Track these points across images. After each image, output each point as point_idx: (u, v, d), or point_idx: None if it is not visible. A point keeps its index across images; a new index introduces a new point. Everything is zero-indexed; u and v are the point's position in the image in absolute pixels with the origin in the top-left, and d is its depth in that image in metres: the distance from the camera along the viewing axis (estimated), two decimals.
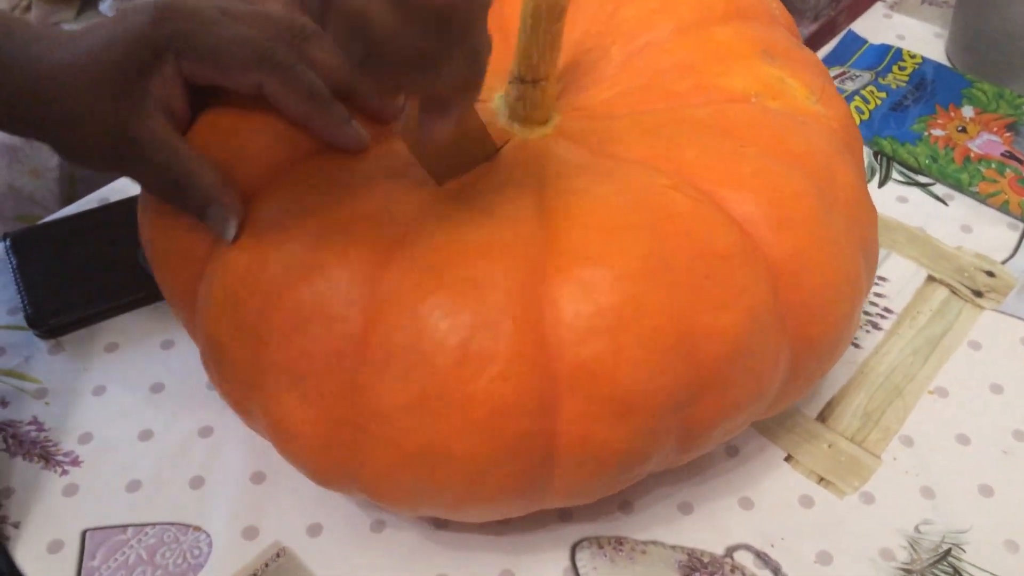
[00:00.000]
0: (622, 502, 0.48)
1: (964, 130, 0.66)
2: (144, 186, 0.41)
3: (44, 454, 0.49)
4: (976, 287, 0.58)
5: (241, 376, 0.39)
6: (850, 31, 0.75)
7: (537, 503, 0.41)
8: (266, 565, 0.45)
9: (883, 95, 0.69)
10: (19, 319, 0.53)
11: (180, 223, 0.40)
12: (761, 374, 0.40)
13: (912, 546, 0.46)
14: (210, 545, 0.45)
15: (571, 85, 0.45)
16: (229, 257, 0.38)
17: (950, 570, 0.46)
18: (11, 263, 0.55)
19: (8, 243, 0.56)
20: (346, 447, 0.37)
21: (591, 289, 0.35)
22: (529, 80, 0.41)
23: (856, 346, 0.54)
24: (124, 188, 0.61)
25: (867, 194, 0.45)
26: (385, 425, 0.36)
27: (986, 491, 0.48)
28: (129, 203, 0.59)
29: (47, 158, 1.04)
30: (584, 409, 0.36)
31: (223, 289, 0.38)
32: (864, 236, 0.43)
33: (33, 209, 1.04)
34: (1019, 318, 0.56)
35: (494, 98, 0.44)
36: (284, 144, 0.40)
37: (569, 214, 0.37)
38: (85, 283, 0.55)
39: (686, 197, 0.38)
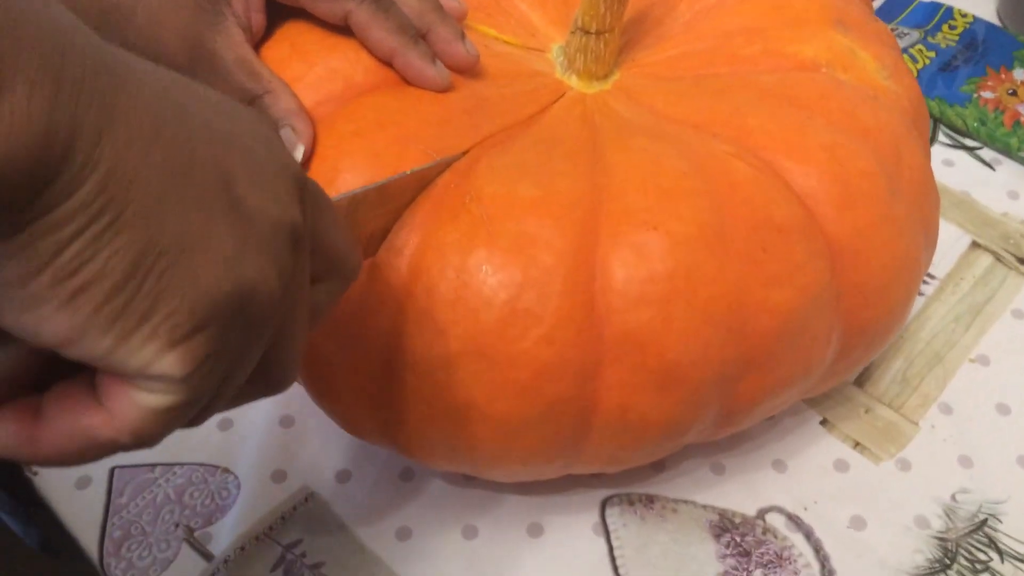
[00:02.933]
0: (654, 461, 0.47)
1: (1015, 93, 0.64)
2: None
3: None
4: (1021, 254, 0.56)
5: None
6: None
7: (569, 468, 0.40)
8: (294, 509, 0.44)
9: (932, 54, 0.67)
10: None
11: None
12: (811, 353, 0.38)
13: (948, 515, 0.46)
14: (238, 487, 0.45)
15: (633, 41, 0.43)
16: None
17: (986, 540, 0.45)
18: None
19: None
20: (379, 398, 0.37)
21: (645, 254, 0.34)
22: (593, 31, 0.39)
23: None
24: None
25: (932, 176, 0.43)
26: (421, 378, 0.35)
27: None
28: None
29: None
30: (627, 378, 0.35)
31: None
32: (926, 220, 0.42)
33: None
34: None
35: (552, 48, 0.42)
36: (349, 76, 0.39)
37: (626, 174, 0.36)
38: None
39: (748, 166, 0.37)
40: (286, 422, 0.47)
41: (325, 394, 0.39)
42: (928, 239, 0.42)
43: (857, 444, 0.48)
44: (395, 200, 0.36)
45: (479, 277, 0.34)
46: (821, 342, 0.38)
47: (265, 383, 0.27)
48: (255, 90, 0.37)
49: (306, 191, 0.26)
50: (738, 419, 0.40)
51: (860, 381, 0.50)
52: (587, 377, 0.35)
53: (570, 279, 0.34)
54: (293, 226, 0.25)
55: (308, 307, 0.28)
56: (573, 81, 0.41)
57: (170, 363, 0.22)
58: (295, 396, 0.48)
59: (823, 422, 0.49)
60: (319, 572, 0.43)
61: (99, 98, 0.20)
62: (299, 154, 0.37)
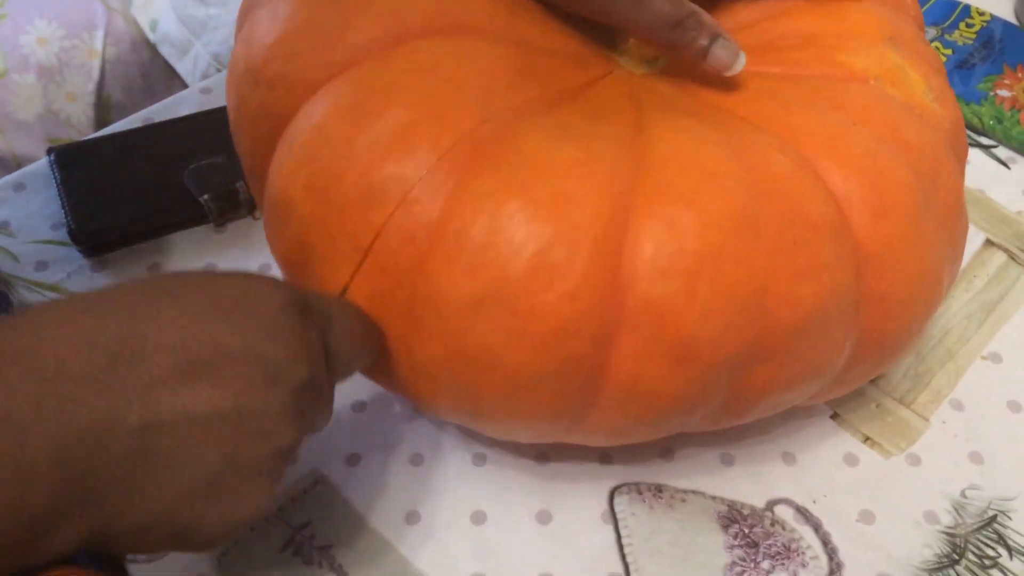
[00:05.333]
0: (663, 449, 0.47)
1: None
2: (636, 26, 0.40)
3: None
4: None
5: (301, 236, 0.37)
6: None
7: (570, 433, 0.40)
8: (304, 491, 0.45)
9: (949, 52, 0.66)
10: (62, 234, 0.53)
11: (270, 86, 0.39)
12: (824, 355, 0.38)
13: (957, 510, 0.46)
14: None
15: None
16: (318, 114, 0.37)
17: (995, 536, 0.45)
18: (55, 177, 0.55)
19: (52, 157, 0.55)
20: (395, 333, 0.37)
21: (677, 229, 0.34)
22: None
23: None
24: (169, 109, 0.60)
25: (964, 204, 0.43)
26: (441, 318, 0.35)
27: None
28: (175, 124, 0.58)
29: (84, 82, 1.04)
30: (643, 347, 0.35)
31: (306, 146, 0.37)
32: (954, 243, 0.42)
33: (67, 133, 1.04)
34: None
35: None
36: (405, 18, 0.38)
37: (668, 150, 0.36)
38: (129, 202, 0.54)
39: (788, 160, 0.37)
40: None
41: None
42: (953, 262, 0.42)
43: (867, 438, 0.48)
44: None
45: (512, 225, 0.34)
46: (836, 346, 0.38)
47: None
48: (679, 14, 0.38)
49: (318, 364, 0.33)
50: (742, 409, 0.40)
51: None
52: (604, 340, 0.35)
53: (600, 241, 0.34)
54: (289, 444, 0.32)
55: (331, 392, 0.36)
56: (623, 60, 0.42)
57: None
58: None
59: (834, 416, 0.49)
60: (328, 554, 0.43)
61: (120, 503, 0.29)
62: (742, 60, 0.39)
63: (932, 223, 0.39)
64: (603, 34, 0.43)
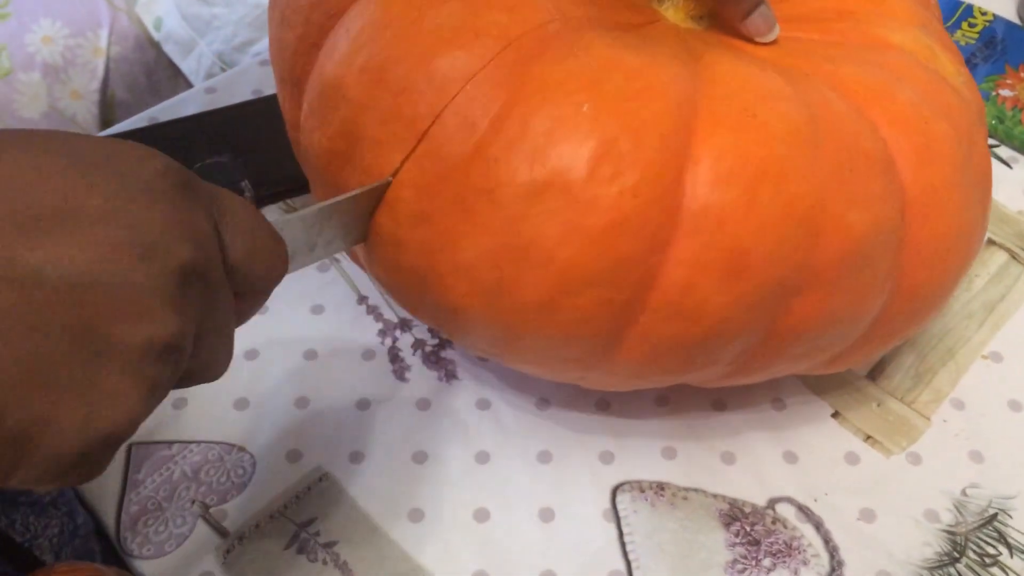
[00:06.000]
0: (665, 448, 0.47)
1: None
2: None
3: None
4: None
5: (351, 120, 0.36)
6: None
7: (599, 359, 0.38)
8: (308, 488, 0.45)
9: None
10: None
11: None
12: (864, 294, 0.38)
13: (958, 509, 0.46)
14: (253, 466, 0.46)
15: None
16: (371, 5, 0.37)
17: (995, 535, 0.45)
18: None
19: None
20: (441, 227, 0.35)
21: (742, 137, 0.35)
22: None
23: None
24: (173, 109, 0.61)
25: (991, 179, 0.43)
26: (495, 206, 0.34)
27: None
28: (180, 123, 0.58)
29: (88, 80, 1.04)
30: (698, 255, 0.35)
31: (366, 29, 0.37)
32: (984, 208, 0.42)
33: (71, 131, 1.04)
34: None
35: None
36: None
37: (729, 72, 0.37)
38: None
39: (841, 99, 0.38)
40: (301, 403, 0.48)
41: (382, 209, 0.37)
42: (983, 228, 0.43)
43: (868, 437, 0.48)
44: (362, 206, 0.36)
45: (578, 115, 0.34)
46: (876, 286, 0.39)
47: (197, 379, 0.29)
48: None
49: (208, 252, 0.27)
50: (774, 348, 0.39)
51: (872, 375, 0.51)
52: (660, 243, 0.34)
53: (667, 140, 0.34)
54: (165, 335, 0.25)
55: (230, 319, 0.29)
56: (669, 13, 0.42)
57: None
58: (311, 377, 0.49)
59: (835, 415, 0.49)
60: (332, 551, 0.43)
61: None
62: (775, 33, 0.40)
63: (970, 181, 0.40)
64: None
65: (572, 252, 0.34)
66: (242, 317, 0.31)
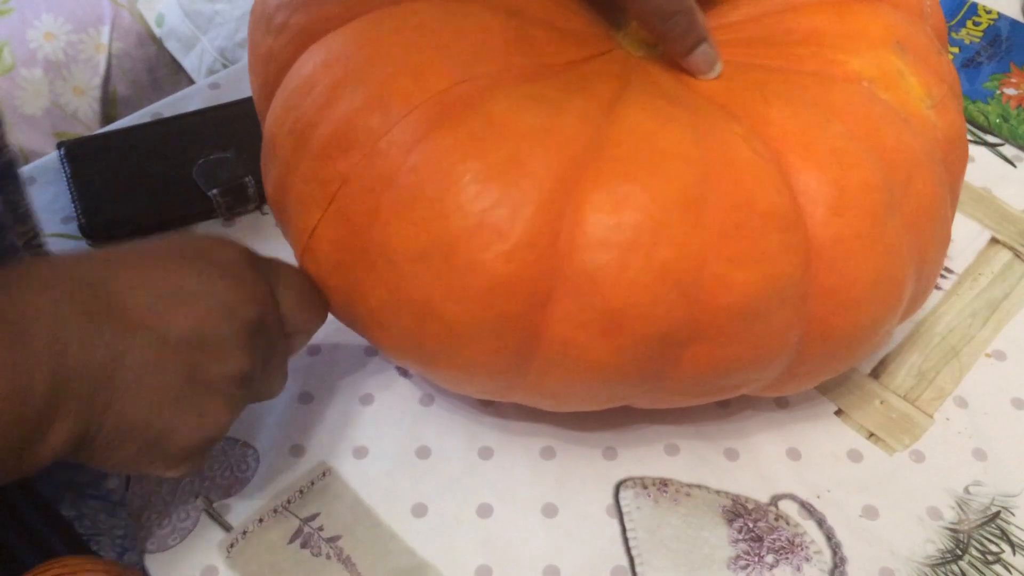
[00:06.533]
0: (668, 444, 0.47)
1: None
2: (634, 7, 0.42)
3: None
4: None
5: (282, 178, 0.40)
6: None
7: (512, 391, 0.42)
8: (311, 483, 0.45)
9: (955, 50, 0.67)
10: (73, 228, 0.53)
11: (277, 32, 0.42)
12: (765, 343, 0.39)
13: (960, 506, 0.46)
14: (257, 460, 0.46)
15: None
16: (310, 63, 0.39)
17: (998, 532, 0.45)
18: (65, 172, 0.55)
19: (62, 152, 0.56)
20: (352, 278, 0.39)
21: (620, 202, 0.36)
22: None
23: None
24: (177, 104, 0.61)
25: (947, 215, 0.43)
26: (390, 266, 0.37)
27: None
28: (184, 119, 0.58)
29: (90, 76, 1.04)
30: (575, 314, 0.37)
31: (295, 92, 0.40)
32: (923, 252, 0.41)
33: (74, 127, 1.04)
34: None
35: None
36: None
37: (630, 128, 0.37)
38: (139, 196, 0.54)
39: (751, 150, 0.38)
40: (305, 398, 0.48)
41: (308, 256, 0.40)
42: (922, 273, 0.42)
43: (871, 435, 0.48)
44: None
45: (461, 183, 0.36)
46: (778, 336, 0.39)
47: (264, 398, 0.41)
48: (673, 8, 0.40)
49: (268, 309, 0.38)
50: (683, 388, 0.41)
51: (876, 373, 0.51)
52: (538, 303, 0.37)
53: (544, 209, 0.36)
54: (243, 370, 0.36)
55: (285, 354, 0.41)
56: (625, 42, 0.43)
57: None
58: (314, 374, 0.49)
59: (838, 412, 0.49)
60: (336, 545, 0.43)
61: (103, 408, 0.34)
62: (719, 67, 0.41)
63: (897, 228, 0.39)
64: (611, 14, 0.43)
65: (456, 309, 0.37)
66: (292, 351, 0.42)
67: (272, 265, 0.40)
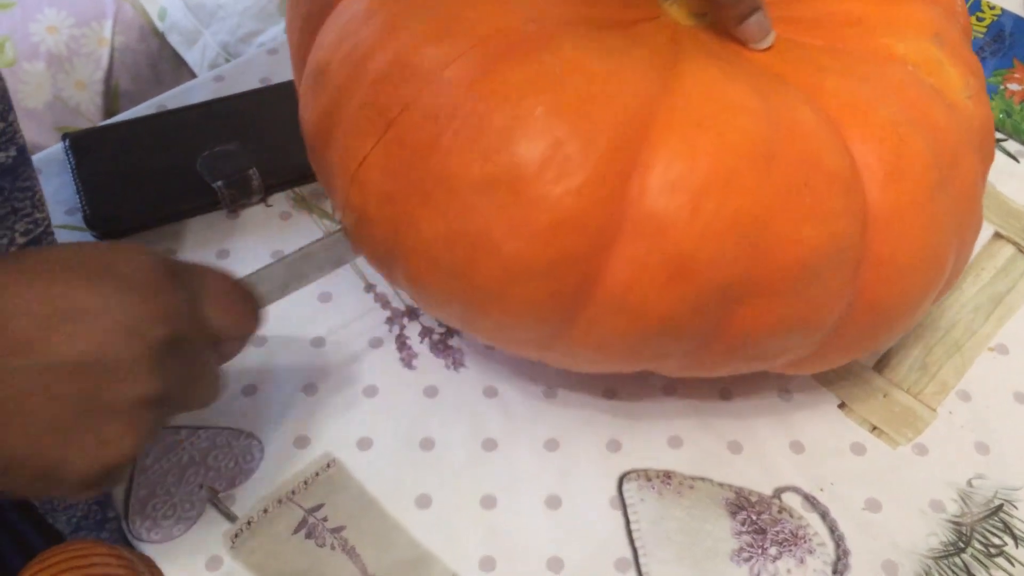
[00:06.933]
0: (672, 437, 0.47)
1: None
2: None
3: None
4: None
5: (332, 104, 0.39)
6: None
7: (553, 342, 0.40)
8: (316, 474, 0.45)
9: None
10: (77, 219, 0.53)
11: None
12: (816, 306, 0.39)
13: (963, 499, 0.46)
14: (262, 451, 0.46)
15: None
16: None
17: (1000, 525, 0.45)
18: (70, 163, 0.55)
19: (67, 143, 0.56)
20: (403, 209, 0.38)
21: (691, 149, 0.36)
22: None
23: None
24: (181, 97, 0.61)
25: (980, 201, 0.43)
26: (449, 195, 0.36)
27: None
28: (188, 111, 0.58)
29: (92, 70, 1.04)
30: (640, 258, 0.36)
31: (353, 19, 0.39)
32: (962, 232, 0.42)
33: (76, 121, 1.04)
34: None
35: None
36: None
37: (696, 81, 0.37)
38: (143, 187, 0.54)
39: (814, 113, 0.38)
40: (310, 390, 0.48)
41: (354, 189, 0.39)
42: (960, 252, 0.43)
43: (874, 428, 0.48)
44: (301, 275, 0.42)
45: (533, 115, 0.35)
46: (829, 299, 0.39)
47: (193, 408, 0.37)
48: None
49: (183, 324, 0.35)
50: (723, 351, 0.40)
51: (879, 367, 0.51)
52: (603, 243, 0.36)
53: (616, 145, 0.35)
54: (148, 394, 0.33)
55: (212, 362, 0.37)
56: (672, 10, 0.42)
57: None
58: (319, 365, 0.49)
59: (841, 405, 0.49)
60: (340, 536, 0.43)
61: None
62: (769, 41, 0.41)
63: (944, 204, 0.40)
64: None
65: (518, 245, 0.36)
66: (224, 359, 0.39)
67: (195, 272, 0.37)
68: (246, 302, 0.39)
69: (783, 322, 0.39)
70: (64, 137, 0.56)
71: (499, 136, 0.35)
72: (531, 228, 0.36)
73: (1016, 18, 0.69)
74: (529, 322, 0.39)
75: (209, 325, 0.36)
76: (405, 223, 0.38)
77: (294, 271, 0.42)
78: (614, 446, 0.47)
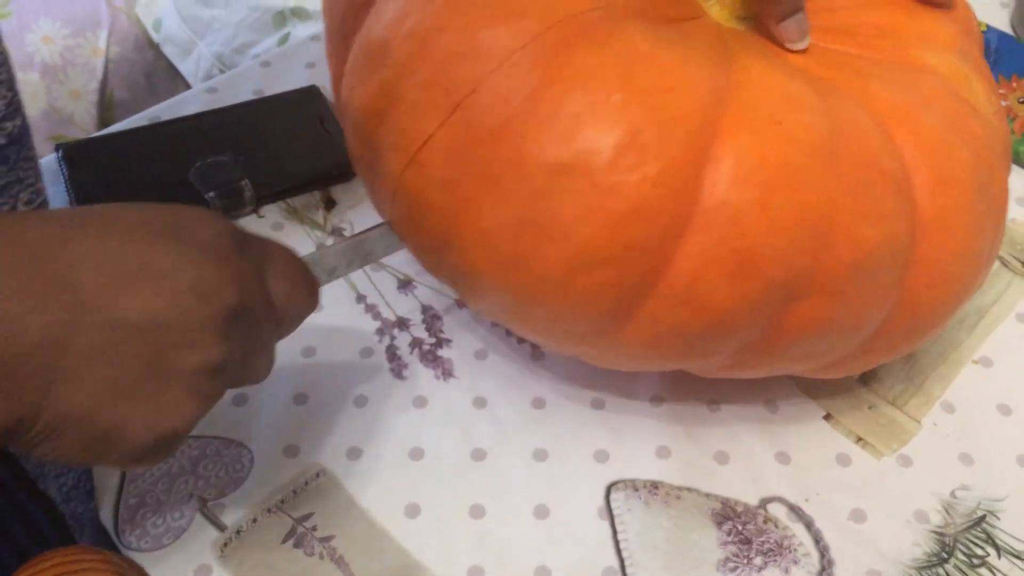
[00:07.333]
0: (659, 447, 0.48)
1: None
2: None
3: None
4: None
5: (391, 82, 0.38)
6: None
7: (601, 336, 0.40)
8: (306, 484, 0.45)
9: None
10: None
11: None
12: (867, 306, 0.40)
13: (947, 510, 0.46)
14: (252, 461, 0.46)
15: None
16: None
17: (984, 536, 0.46)
18: (63, 174, 0.55)
19: (60, 154, 0.56)
20: (466, 194, 0.37)
21: (763, 141, 0.36)
22: None
23: None
24: (174, 108, 0.61)
25: (1006, 212, 0.44)
26: (519, 181, 0.36)
27: None
28: (181, 122, 0.59)
29: (87, 80, 1.05)
30: (708, 250, 0.36)
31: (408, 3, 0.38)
32: (993, 244, 0.43)
33: (70, 131, 1.05)
34: None
35: None
36: None
37: (761, 77, 0.38)
38: (136, 198, 0.54)
39: (867, 115, 0.39)
40: (300, 399, 0.48)
41: (411, 170, 0.38)
42: (991, 256, 0.44)
43: (860, 439, 0.49)
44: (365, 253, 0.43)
45: (609, 103, 0.35)
46: (879, 300, 0.40)
47: (248, 383, 0.38)
48: None
49: (252, 294, 0.34)
50: (771, 348, 0.41)
51: (865, 379, 0.51)
52: (673, 234, 0.36)
53: (691, 136, 0.36)
54: (214, 361, 0.33)
55: (272, 338, 0.37)
56: (714, 11, 0.43)
57: None
58: (309, 374, 0.49)
59: (827, 417, 0.50)
60: (329, 545, 0.43)
61: (40, 394, 0.30)
62: (805, 42, 0.41)
63: (984, 211, 0.41)
64: None
65: (589, 232, 0.36)
66: (281, 336, 0.39)
67: (263, 245, 0.37)
68: (308, 281, 0.38)
69: (834, 321, 0.39)
70: (57, 148, 0.56)
71: (574, 121, 0.35)
72: (604, 215, 0.35)
73: (1002, 34, 0.69)
74: (586, 314, 0.38)
75: (273, 299, 0.36)
76: (465, 209, 0.37)
77: (345, 256, 0.42)
78: (602, 456, 0.47)
